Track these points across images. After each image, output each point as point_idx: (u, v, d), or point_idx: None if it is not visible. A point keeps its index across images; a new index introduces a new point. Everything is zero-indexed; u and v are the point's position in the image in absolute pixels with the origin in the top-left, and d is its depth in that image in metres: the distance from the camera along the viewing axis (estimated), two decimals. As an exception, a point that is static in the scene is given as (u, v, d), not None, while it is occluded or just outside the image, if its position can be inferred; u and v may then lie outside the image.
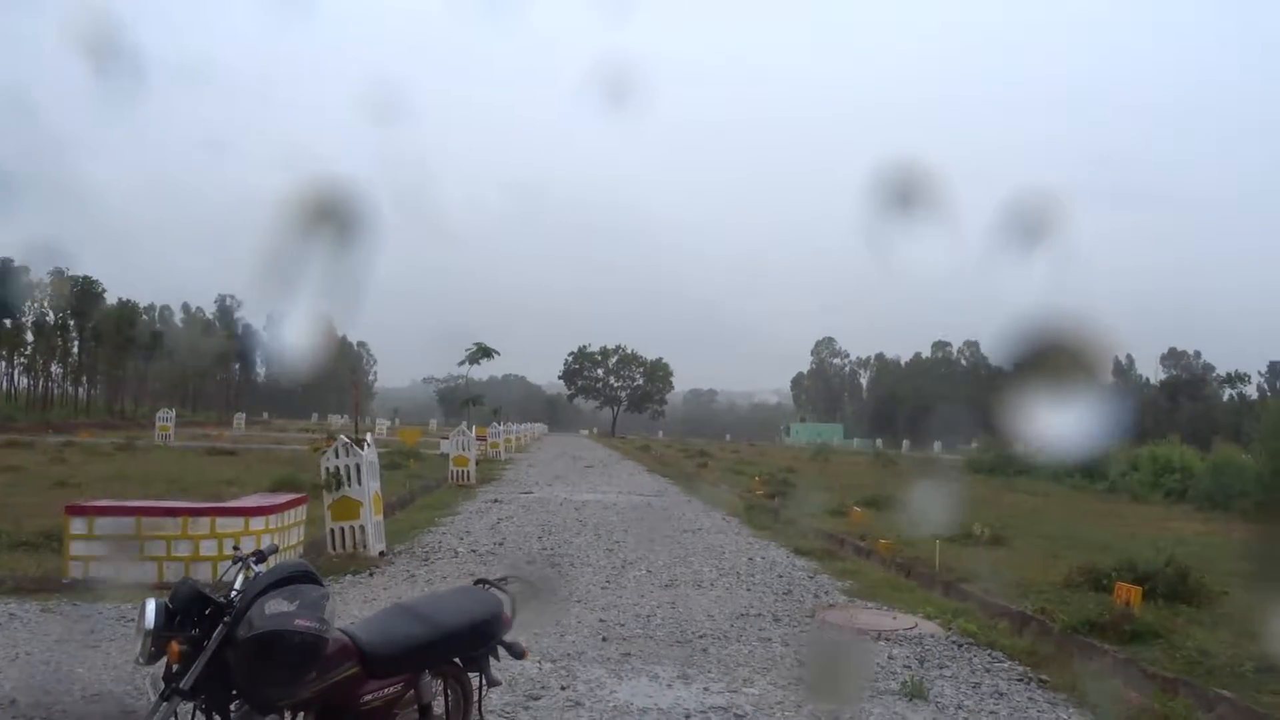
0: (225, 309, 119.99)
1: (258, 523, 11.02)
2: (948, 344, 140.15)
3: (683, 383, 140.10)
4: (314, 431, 49.98)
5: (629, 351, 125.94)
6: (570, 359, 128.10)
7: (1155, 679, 7.85)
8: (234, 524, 10.81)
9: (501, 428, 43.87)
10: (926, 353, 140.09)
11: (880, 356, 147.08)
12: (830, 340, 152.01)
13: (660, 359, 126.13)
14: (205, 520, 10.82)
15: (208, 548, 10.57)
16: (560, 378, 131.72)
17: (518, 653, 5.00)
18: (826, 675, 8.03)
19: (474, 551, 13.96)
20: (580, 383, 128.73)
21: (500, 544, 14.80)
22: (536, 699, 6.68)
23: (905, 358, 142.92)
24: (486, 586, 5.12)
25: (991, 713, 6.91)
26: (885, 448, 77.42)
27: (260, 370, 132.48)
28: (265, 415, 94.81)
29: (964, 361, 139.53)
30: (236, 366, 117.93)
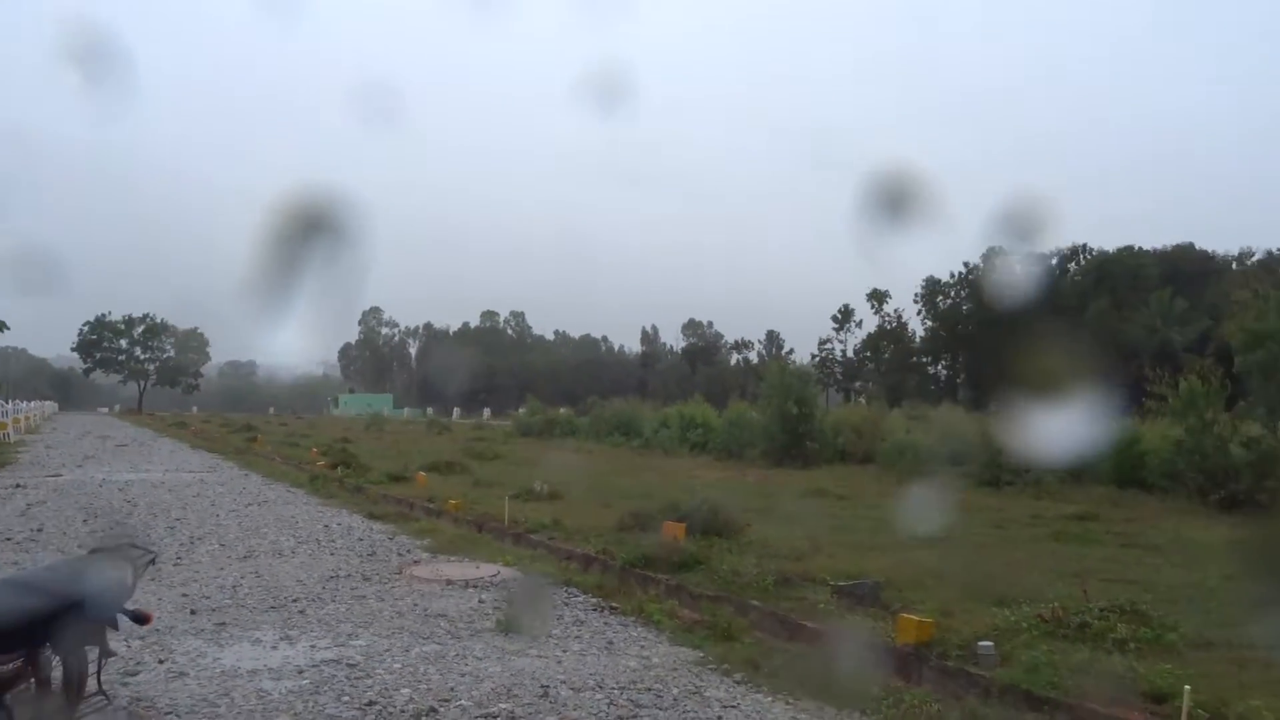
0: None
1: None
2: (496, 314, 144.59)
3: (219, 354, 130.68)
4: None
5: (158, 321, 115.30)
6: (86, 329, 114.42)
7: (701, 597, 9.26)
8: None
9: (10, 406, 38.64)
10: (475, 322, 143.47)
11: (429, 326, 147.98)
12: (378, 310, 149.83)
13: (195, 329, 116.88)
14: None
15: None
16: (74, 350, 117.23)
17: (141, 619, 4.91)
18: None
19: (7, 540, 12.55)
20: (100, 355, 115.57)
21: (39, 530, 13.40)
22: (134, 675, 6.45)
23: (454, 327, 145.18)
24: (103, 555, 4.95)
25: (576, 637, 7.81)
26: (437, 416, 78.47)
27: None
28: None
29: (511, 331, 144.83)
30: None
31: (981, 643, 7.05)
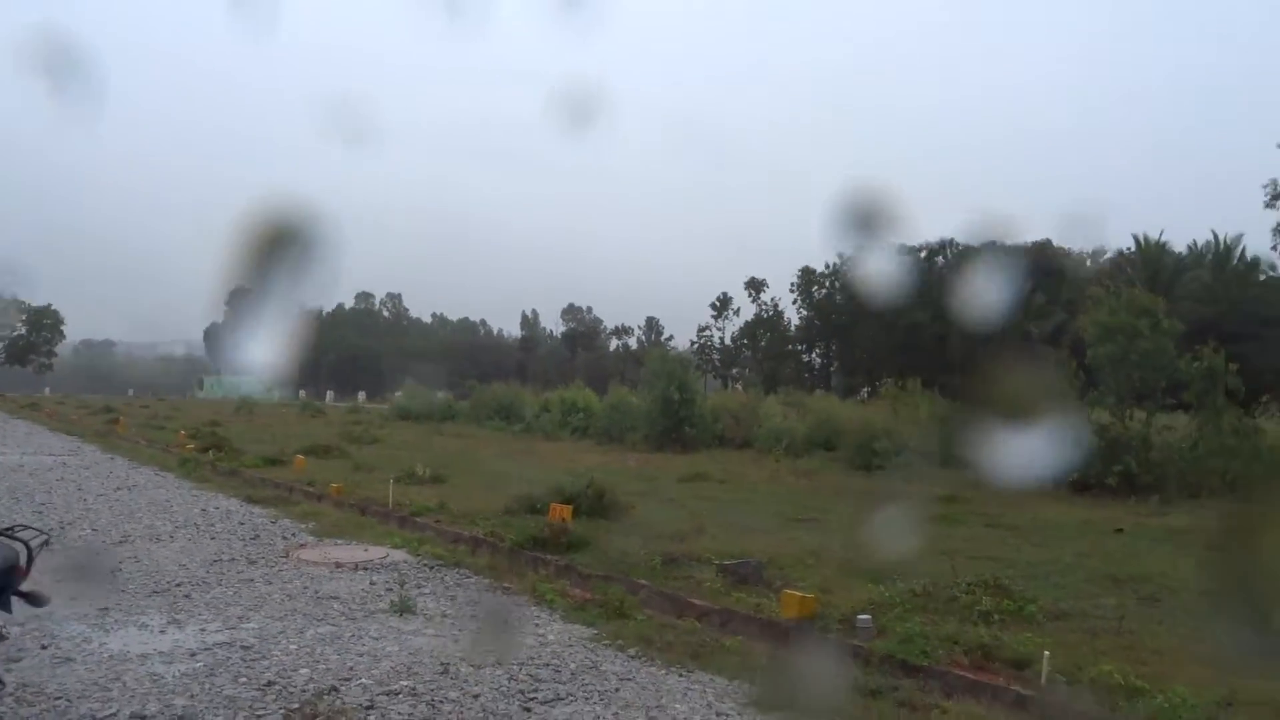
0: None
1: None
2: (371, 295, 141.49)
3: (75, 332, 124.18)
4: None
5: (7, 296, 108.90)
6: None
7: (591, 577, 9.47)
8: None
9: None
10: (350, 303, 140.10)
11: (300, 306, 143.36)
12: (245, 290, 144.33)
13: (48, 305, 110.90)
14: None
15: None
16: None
17: (39, 601, 4.83)
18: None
19: None
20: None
21: (-109, 516, 12.72)
22: (16, 661, 6.27)
23: (327, 308, 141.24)
24: (-6, 536, 4.84)
25: (472, 616, 7.92)
26: (310, 399, 76.54)
27: None
28: None
29: (386, 313, 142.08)
30: None
31: (860, 616, 7.47)
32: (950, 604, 7.96)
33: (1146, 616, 8.06)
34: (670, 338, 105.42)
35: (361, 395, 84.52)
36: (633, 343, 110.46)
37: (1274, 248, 44.48)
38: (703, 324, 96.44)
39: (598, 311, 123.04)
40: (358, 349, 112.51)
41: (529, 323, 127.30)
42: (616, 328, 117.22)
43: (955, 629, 7.21)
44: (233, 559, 10.10)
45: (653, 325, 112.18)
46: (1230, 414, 17.44)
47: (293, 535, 11.82)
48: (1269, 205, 43.33)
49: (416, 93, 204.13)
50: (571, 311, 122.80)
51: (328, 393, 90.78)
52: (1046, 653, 6.32)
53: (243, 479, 18.05)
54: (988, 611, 7.77)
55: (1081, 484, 17.28)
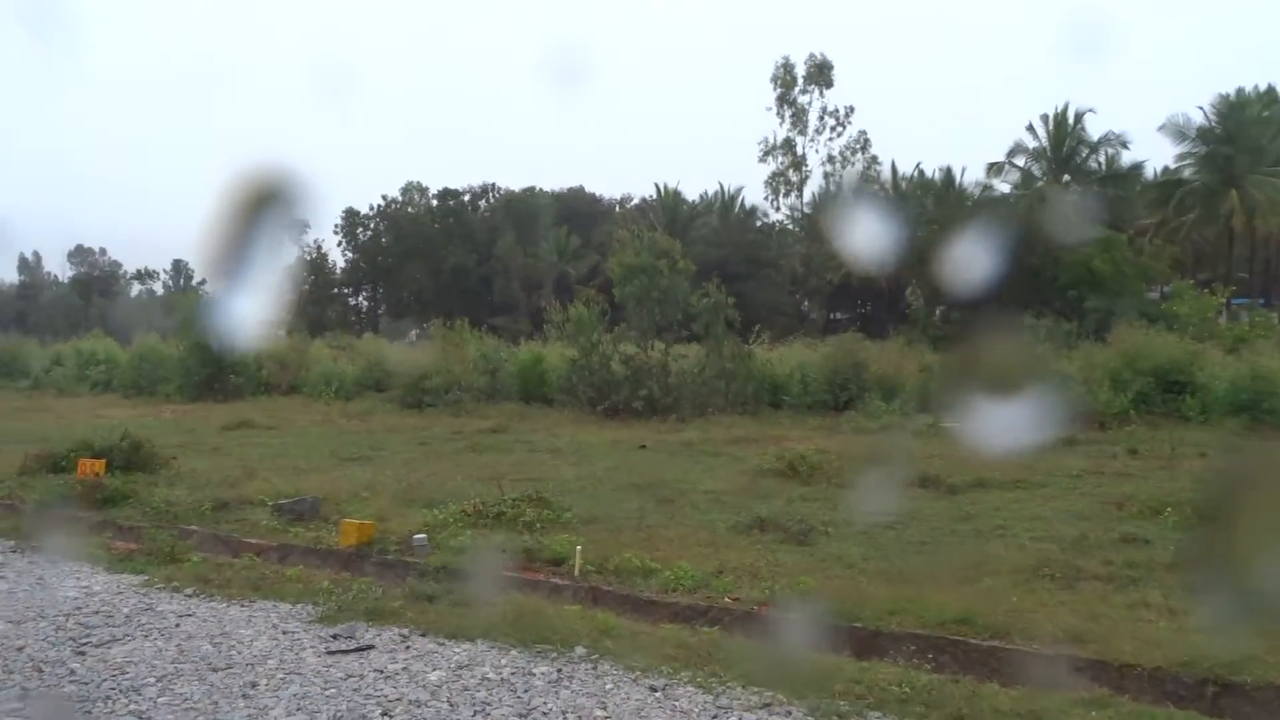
0: None
1: None
2: None
3: None
4: None
5: None
6: None
7: (135, 528, 9.11)
8: None
9: None
10: None
11: None
12: None
13: None
14: None
15: None
16: None
17: None
18: None
19: None
20: None
21: None
22: None
23: None
24: None
25: (1, 578, 7.32)
26: None
27: None
28: None
29: None
30: None
31: (416, 536, 8.00)
32: (498, 519, 8.77)
33: (662, 514, 9.40)
34: (202, 281, 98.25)
35: None
36: (159, 288, 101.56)
37: (765, 198, 51.29)
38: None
39: (114, 254, 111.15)
40: None
41: (29, 266, 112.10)
42: (139, 271, 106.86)
43: (503, 539, 8.00)
44: None
45: (180, 268, 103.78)
46: (730, 342, 20.20)
47: None
48: (762, 160, 49.88)
49: None
50: (81, 254, 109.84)
51: None
52: (579, 548, 7.28)
53: None
54: (531, 522, 8.66)
55: (612, 409, 19.18)
